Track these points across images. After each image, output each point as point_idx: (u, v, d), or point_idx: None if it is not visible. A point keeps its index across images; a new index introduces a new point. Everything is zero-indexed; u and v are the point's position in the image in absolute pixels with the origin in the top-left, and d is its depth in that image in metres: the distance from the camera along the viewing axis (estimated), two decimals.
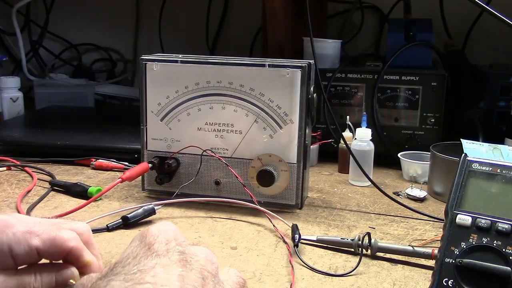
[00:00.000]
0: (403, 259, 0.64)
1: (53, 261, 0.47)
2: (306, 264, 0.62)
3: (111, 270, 0.36)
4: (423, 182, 0.91)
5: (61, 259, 0.47)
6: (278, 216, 0.74)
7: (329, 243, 0.67)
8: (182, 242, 0.40)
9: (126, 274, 0.35)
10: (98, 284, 0.35)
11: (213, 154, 0.79)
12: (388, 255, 0.65)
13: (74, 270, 0.46)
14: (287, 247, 0.66)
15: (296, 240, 0.66)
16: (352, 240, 0.65)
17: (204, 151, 0.80)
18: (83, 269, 0.47)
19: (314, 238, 0.68)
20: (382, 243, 0.65)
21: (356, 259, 0.63)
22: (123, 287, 0.34)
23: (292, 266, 0.60)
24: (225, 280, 0.42)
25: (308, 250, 0.66)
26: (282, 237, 0.69)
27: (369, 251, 0.64)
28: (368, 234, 0.64)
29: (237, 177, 0.78)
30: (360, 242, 0.64)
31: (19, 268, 0.45)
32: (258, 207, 0.74)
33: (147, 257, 0.37)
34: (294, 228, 0.68)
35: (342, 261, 0.64)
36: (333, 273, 0.60)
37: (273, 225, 0.72)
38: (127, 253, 0.38)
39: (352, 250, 0.65)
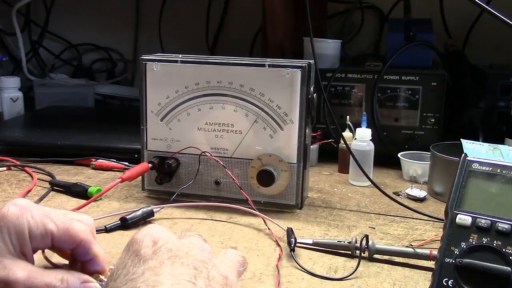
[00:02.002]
0: (403, 260, 0.64)
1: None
2: (303, 269, 0.61)
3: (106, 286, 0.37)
4: (423, 182, 0.91)
5: (71, 249, 0.48)
6: (272, 220, 0.73)
7: (326, 246, 0.66)
8: (169, 239, 0.40)
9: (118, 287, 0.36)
10: None
11: (211, 156, 0.79)
12: (386, 257, 0.64)
13: (97, 286, 0.47)
14: (280, 252, 0.65)
15: (292, 245, 0.65)
16: (349, 242, 0.65)
17: (202, 153, 0.80)
18: (91, 262, 0.48)
19: (311, 241, 0.67)
20: (380, 245, 0.64)
21: (356, 259, 0.63)
22: None
23: (278, 271, 0.60)
24: (221, 262, 0.43)
25: (308, 250, 0.66)
26: (277, 240, 0.68)
27: (366, 253, 0.64)
28: (366, 236, 0.63)
29: (233, 179, 0.78)
30: (357, 245, 0.64)
31: (46, 267, 0.46)
32: (254, 211, 0.74)
33: (135, 265, 0.38)
34: (290, 232, 0.67)
35: (342, 261, 0.64)
36: (331, 276, 0.60)
37: (268, 228, 0.71)
38: (117, 265, 0.39)
39: (350, 252, 0.65)
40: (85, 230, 0.47)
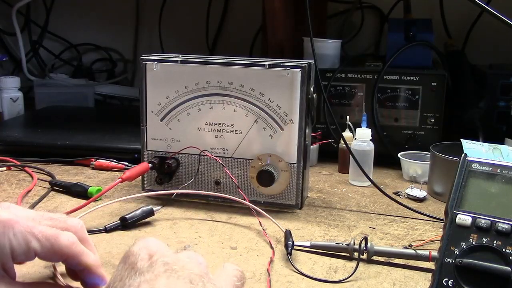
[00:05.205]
0: (403, 261, 0.64)
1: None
2: (301, 273, 0.60)
3: None
4: (423, 182, 0.91)
5: (59, 261, 0.47)
6: (271, 218, 0.73)
7: (324, 249, 0.66)
8: (165, 253, 0.41)
9: None
10: None
11: (210, 156, 0.79)
12: (385, 258, 0.64)
13: None
14: (272, 255, 0.64)
15: (289, 248, 0.64)
16: (348, 244, 0.64)
17: (202, 151, 0.80)
18: (84, 272, 0.48)
19: (308, 244, 0.66)
20: (379, 247, 0.64)
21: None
22: None
23: (269, 275, 0.59)
24: (218, 276, 0.43)
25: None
26: (270, 242, 0.67)
27: (365, 255, 0.63)
28: (365, 238, 0.63)
29: (231, 178, 0.78)
30: (356, 247, 0.63)
31: (30, 282, 0.46)
32: (251, 205, 0.74)
33: (131, 277, 0.38)
34: (287, 235, 0.66)
35: (342, 261, 0.64)
36: (331, 278, 0.60)
37: (263, 230, 0.71)
38: (114, 277, 0.39)
39: (348, 255, 0.64)
40: (71, 244, 0.46)
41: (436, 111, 1.01)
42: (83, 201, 0.77)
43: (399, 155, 0.97)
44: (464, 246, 0.48)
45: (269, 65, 0.77)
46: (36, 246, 0.45)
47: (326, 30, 1.41)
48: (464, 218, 0.49)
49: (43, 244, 0.45)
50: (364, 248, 0.63)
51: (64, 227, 0.48)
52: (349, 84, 1.04)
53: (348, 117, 0.99)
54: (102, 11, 1.68)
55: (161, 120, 0.82)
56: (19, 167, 0.96)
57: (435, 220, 0.76)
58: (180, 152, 0.81)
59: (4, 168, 0.95)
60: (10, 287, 0.44)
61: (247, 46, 1.52)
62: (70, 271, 0.50)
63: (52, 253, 0.46)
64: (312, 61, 0.79)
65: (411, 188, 0.87)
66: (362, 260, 0.63)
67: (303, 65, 0.76)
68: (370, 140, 0.91)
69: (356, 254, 0.63)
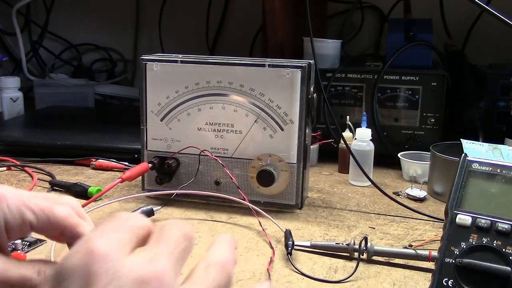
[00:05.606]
0: (403, 261, 0.64)
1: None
2: (301, 272, 0.60)
3: None
4: (423, 182, 0.91)
5: (57, 235, 0.46)
6: (271, 218, 0.73)
7: (324, 249, 0.66)
8: (113, 274, 0.27)
9: None
10: None
11: (210, 155, 0.79)
12: (385, 258, 0.64)
13: None
14: (272, 255, 0.64)
15: (289, 248, 0.64)
16: (348, 244, 0.64)
17: (202, 151, 0.80)
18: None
19: (308, 244, 0.66)
20: (379, 247, 0.64)
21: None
22: None
23: (269, 275, 0.59)
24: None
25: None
26: (270, 242, 0.67)
27: (365, 255, 0.63)
28: (365, 238, 0.63)
29: (231, 178, 0.78)
30: (356, 247, 0.63)
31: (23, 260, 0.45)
32: (251, 205, 0.74)
33: None
34: (288, 234, 0.66)
35: (342, 261, 0.64)
36: (331, 278, 0.60)
37: (263, 230, 0.71)
38: None
39: (348, 255, 0.64)
40: (68, 215, 0.43)
41: (436, 111, 1.01)
42: (83, 201, 0.76)
43: (399, 155, 0.97)
44: (464, 246, 0.48)
45: (269, 65, 0.77)
46: (32, 217, 0.43)
47: (326, 30, 1.41)
48: (464, 218, 0.49)
49: (38, 216, 0.43)
50: (364, 248, 0.63)
51: (59, 203, 0.46)
52: (349, 84, 1.04)
53: (348, 117, 0.99)
54: (102, 11, 1.68)
55: (161, 120, 0.82)
56: (19, 167, 0.96)
57: (435, 220, 0.76)
58: (180, 152, 0.81)
59: (4, 168, 0.95)
60: (2, 259, 0.42)
61: (247, 46, 1.52)
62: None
63: (48, 225, 0.43)
64: (312, 61, 0.79)
65: (411, 188, 0.87)
66: (362, 260, 0.63)
67: (303, 65, 0.76)
68: (370, 140, 0.91)
69: (356, 254, 0.63)
